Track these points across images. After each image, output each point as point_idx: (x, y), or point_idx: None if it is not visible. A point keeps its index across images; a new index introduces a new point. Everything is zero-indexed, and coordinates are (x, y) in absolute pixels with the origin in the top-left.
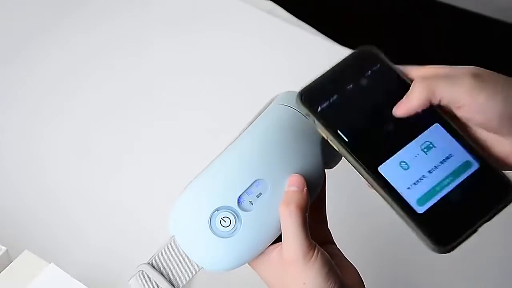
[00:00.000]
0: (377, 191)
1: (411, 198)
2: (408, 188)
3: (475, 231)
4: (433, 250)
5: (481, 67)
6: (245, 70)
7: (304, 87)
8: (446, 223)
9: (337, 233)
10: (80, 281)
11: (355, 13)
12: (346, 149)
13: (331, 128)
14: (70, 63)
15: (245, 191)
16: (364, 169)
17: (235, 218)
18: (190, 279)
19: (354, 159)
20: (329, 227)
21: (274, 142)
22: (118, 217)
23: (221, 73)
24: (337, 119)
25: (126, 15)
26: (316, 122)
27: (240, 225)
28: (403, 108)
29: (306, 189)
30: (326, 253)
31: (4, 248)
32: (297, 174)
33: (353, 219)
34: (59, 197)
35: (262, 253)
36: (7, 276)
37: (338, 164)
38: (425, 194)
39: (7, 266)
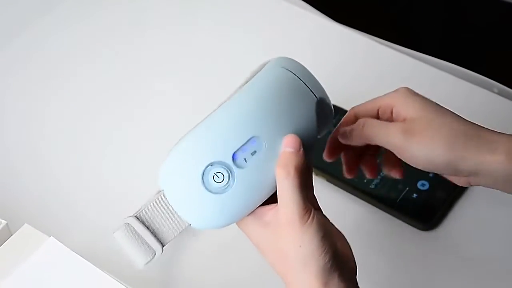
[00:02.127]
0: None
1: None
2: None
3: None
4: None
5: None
6: (239, 48)
7: None
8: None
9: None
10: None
11: None
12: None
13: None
14: (68, 49)
15: (240, 147)
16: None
17: (228, 174)
18: (176, 236)
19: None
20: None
21: (272, 100)
22: (114, 194)
23: (215, 53)
24: None
25: (123, 3)
26: None
27: (234, 182)
28: (344, 141)
29: (302, 150)
30: (322, 217)
31: (4, 222)
32: (293, 135)
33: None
34: (56, 173)
35: (254, 214)
36: (8, 249)
37: None
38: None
39: (7, 239)
